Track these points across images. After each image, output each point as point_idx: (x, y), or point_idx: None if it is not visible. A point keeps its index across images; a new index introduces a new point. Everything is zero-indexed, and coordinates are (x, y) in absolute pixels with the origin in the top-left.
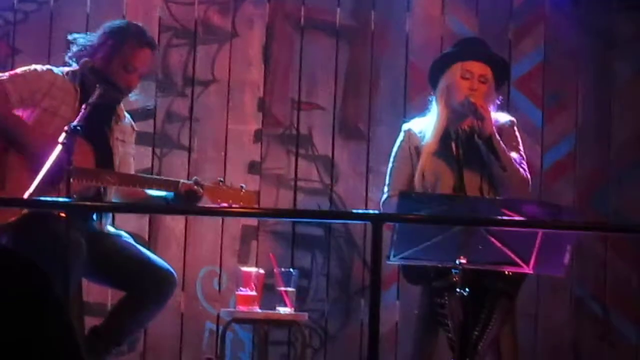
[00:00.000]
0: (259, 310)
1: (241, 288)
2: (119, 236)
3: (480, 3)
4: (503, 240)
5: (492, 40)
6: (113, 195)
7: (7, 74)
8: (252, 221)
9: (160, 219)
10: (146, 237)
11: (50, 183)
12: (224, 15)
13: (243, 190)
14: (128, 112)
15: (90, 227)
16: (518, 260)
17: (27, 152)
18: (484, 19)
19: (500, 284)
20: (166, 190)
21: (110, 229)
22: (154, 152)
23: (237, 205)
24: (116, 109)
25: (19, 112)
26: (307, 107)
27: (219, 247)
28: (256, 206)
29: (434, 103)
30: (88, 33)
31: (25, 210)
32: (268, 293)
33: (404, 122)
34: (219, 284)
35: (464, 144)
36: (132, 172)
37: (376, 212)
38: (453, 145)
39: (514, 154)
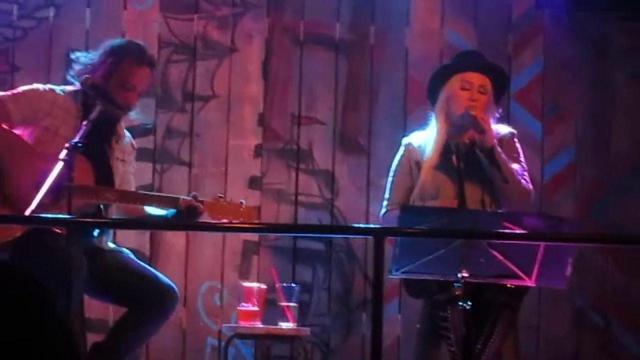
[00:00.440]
0: (261, 325)
1: (243, 303)
2: (120, 252)
3: (478, 16)
4: (505, 253)
5: (491, 53)
6: (114, 214)
7: (9, 92)
8: (253, 236)
9: (161, 235)
10: (147, 253)
11: (51, 200)
12: (223, 31)
13: (243, 206)
14: (127, 129)
15: (91, 244)
16: (520, 273)
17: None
18: (482, 32)
19: (503, 297)
20: (166, 207)
21: (111, 245)
22: (154, 168)
23: (237, 221)
24: (116, 127)
25: (18, 131)
26: (307, 122)
27: (220, 263)
28: (257, 221)
29: (433, 117)
30: (90, 51)
31: (25, 228)
32: (270, 308)
33: (404, 136)
34: (220, 299)
35: (465, 157)
36: (133, 189)
37: (378, 226)
38: (454, 158)
39: (515, 166)
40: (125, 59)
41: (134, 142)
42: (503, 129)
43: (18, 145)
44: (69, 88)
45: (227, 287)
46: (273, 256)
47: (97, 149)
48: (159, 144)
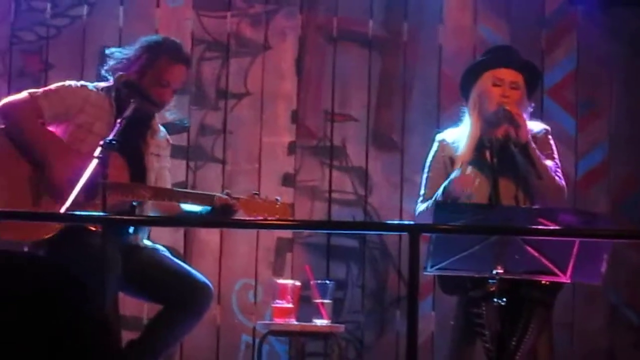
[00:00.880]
0: (296, 323)
1: (277, 300)
2: (155, 249)
3: (512, 12)
4: (539, 249)
5: (524, 49)
6: (149, 211)
7: (41, 90)
8: (287, 233)
9: (195, 233)
10: (181, 250)
11: (85, 197)
12: (257, 28)
13: (278, 203)
14: (163, 125)
15: (126, 241)
16: (555, 269)
17: (49, 180)
18: (515, 28)
19: (537, 293)
20: (201, 204)
21: (147, 242)
22: (187, 166)
23: (272, 218)
24: (151, 123)
25: (52, 128)
26: (340, 119)
27: (254, 260)
28: (291, 218)
29: (466, 113)
30: (124, 47)
31: (61, 226)
32: (304, 305)
33: (437, 132)
34: (255, 296)
35: (499, 153)
36: (169, 186)
37: (413, 223)
38: (488, 154)
39: (549, 162)
40: (161, 55)
41: (168, 137)
42: (537, 126)
43: (54, 142)
44: (102, 84)
45: (261, 284)
46: (307, 253)
47: (131, 145)
48: (192, 141)
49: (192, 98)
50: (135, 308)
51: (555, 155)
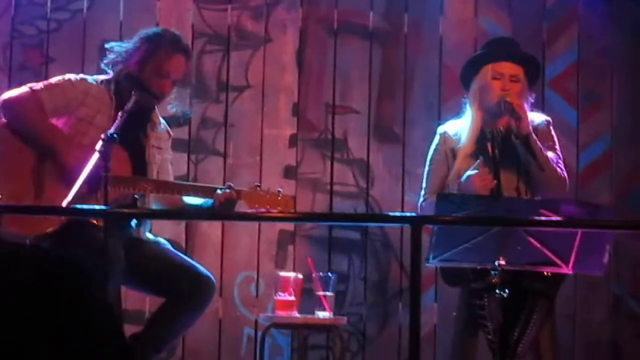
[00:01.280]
0: (298, 315)
1: (280, 293)
2: (158, 243)
3: (513, 3)
4: (542, 241)
5: (526, 41)
6: (151, 204)
7: (41, 83)
8: (289, 226)
9: (197, 226)
10: (183, 243)
11: (88, 191)
12: (257, 21)
13: (281, 195)
14: (166, 118)
15: (129, 234)
16: (557, 261)
17: (60, 165)
18: (517, 20)
19: (540, 285)
20: (203, 196)
21: (149, 235)
22: (189, 159)
23: (275, 210)
24: (151, 115)
25: (53, 121)
26: (341, 111)
27: (256, 253)
28: (293, 210)
29: (468, 105)
30: (124, 41)
31: (63, 219)
32: (306, 297)
33: (439, 124)
34: (257, 289)
35: (500, 145)
36: (171, 178)
37: (415, 214)
38: (489, 145)
39: (550, 154)
40: (161, 46)
41: (169, 129)
42: (538, 117)
43: (59, 132)
44: (102, 77)
45: (263, 276)
46: (309, 246)
47: (133, 138)
48: (194, 134)
49: (193, 91)
50: (138, 302)
51: (557, 147)
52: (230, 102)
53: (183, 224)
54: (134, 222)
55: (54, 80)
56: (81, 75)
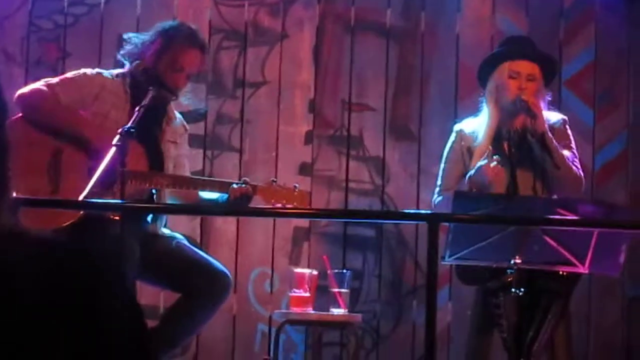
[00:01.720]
0: (313, 312)
1: (294, 289)
2: (173, 238)
3: (530, 2)
4: (558, 240)
5: (543, 40)
6: (167, 199)
7: (57, 78)
8: (304, 222)
9: (212, 221)
10: (198, 239)
11: (104, 185)
12: (274, 17)
13: (296, 190)
14: (181, 113)
15: (145, 230)
16: (574, 260)
17: (87, 149)
18: (534, 19)
19: (555, 284)
20: (220, 191)
21: (165, 231)
22: (205, 154)
23: (290, 206)
24: (166, 109)
25: None
26: (357, 108)
27: (271, 249)
28: (308, 207)
29: (484, 103)
30: (142, 33)
31: (80, 213)
32: (320, 294)
33: (455, 122)
34: (271, 285)
35: (516, 143)
36: (187, 173)
37: (432, 212)
38: (505, 144)
39: (566, 152)
40: (176, 39)
41: (185, 123)
42: (554, 116)
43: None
44: (117, 71)
45: (277, 273)
46: (323, 243)
47: (148, 133)
48: (209, 130)
49: (210, 87)
50: (152, 297)
51: (573, 145)
52: (246, 98)
53: (198, 219)
54: (150, 217)
55: (69, 74)
56: (97, 70)
